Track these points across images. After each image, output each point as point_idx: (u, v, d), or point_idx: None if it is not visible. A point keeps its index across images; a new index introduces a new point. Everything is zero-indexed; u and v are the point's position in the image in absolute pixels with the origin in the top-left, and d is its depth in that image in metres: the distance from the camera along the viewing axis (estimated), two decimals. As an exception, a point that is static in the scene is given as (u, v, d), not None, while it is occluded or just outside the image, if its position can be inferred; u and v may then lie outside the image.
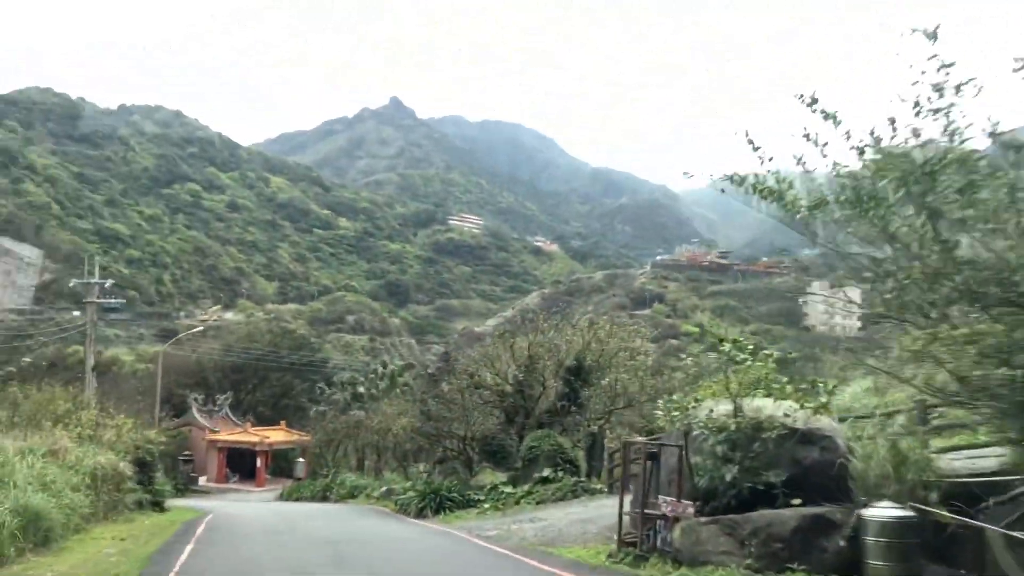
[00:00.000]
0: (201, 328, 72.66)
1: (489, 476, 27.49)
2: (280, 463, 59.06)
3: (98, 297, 41.74)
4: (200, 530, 20.59)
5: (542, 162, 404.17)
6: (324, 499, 38.96)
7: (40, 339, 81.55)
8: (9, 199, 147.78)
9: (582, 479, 24.14)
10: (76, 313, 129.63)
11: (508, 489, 25.12)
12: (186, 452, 58.42)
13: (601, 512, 18.39)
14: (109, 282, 44.05)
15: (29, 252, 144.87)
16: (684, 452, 12.93)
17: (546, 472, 24.68)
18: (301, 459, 56.07)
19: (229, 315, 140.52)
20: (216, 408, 60.04)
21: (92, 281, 41.44)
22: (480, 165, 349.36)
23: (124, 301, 46.51)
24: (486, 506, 24.34)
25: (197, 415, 58.98)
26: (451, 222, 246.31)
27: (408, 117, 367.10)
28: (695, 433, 12.77)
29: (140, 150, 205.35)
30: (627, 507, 13.86)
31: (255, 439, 55.53)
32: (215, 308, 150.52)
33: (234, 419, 60.33)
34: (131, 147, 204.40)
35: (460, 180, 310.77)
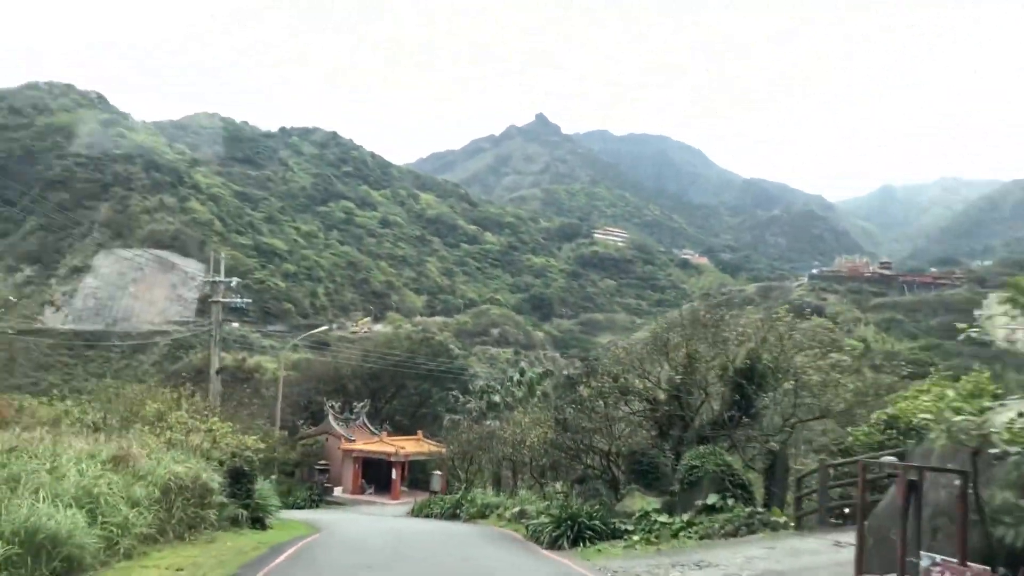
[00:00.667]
0: (326, 327, 70.92)
1: (639, 501, 22.41)
2: (417, 475, 55.75)
3: (224, 296, 39.48)
4: (281, 559, 16.60)
5: (689, 174, 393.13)
6: (454, 516, 34.82)
7: (195, 347, 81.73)
8: (176, 217, 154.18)
9: (758, 509, 18.71)
10: (235, 325, 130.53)
11: (663, 518, 19.96)
12: (322, 462, 55.98)
13: (799, 562, 13.07)
14: (235, 281, 41.69)
15: (193, 267, 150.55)
16: (970, 483, 7.64)
17: (711, 499, 19.39)
18: (438, 472, 52.52)
19: (378, 327, 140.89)
20: (353, 416, 57.44)
21: (218, 280, 39.15)
22: (625, 179, 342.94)
23: (250, 301, 44.02)
24: (635, 538, 19.28)
25: (334, 423, 56.50)
26: (596, 235, 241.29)
27: (553, 133, 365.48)
28: (993, 451, 7.54)
29: (298, 170, 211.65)
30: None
31: (390, 449, 52.35)
32: (365, 320, 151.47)
33: (371, 428, 57.53)
34: (289, 167, 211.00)
35: (605, 194, 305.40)
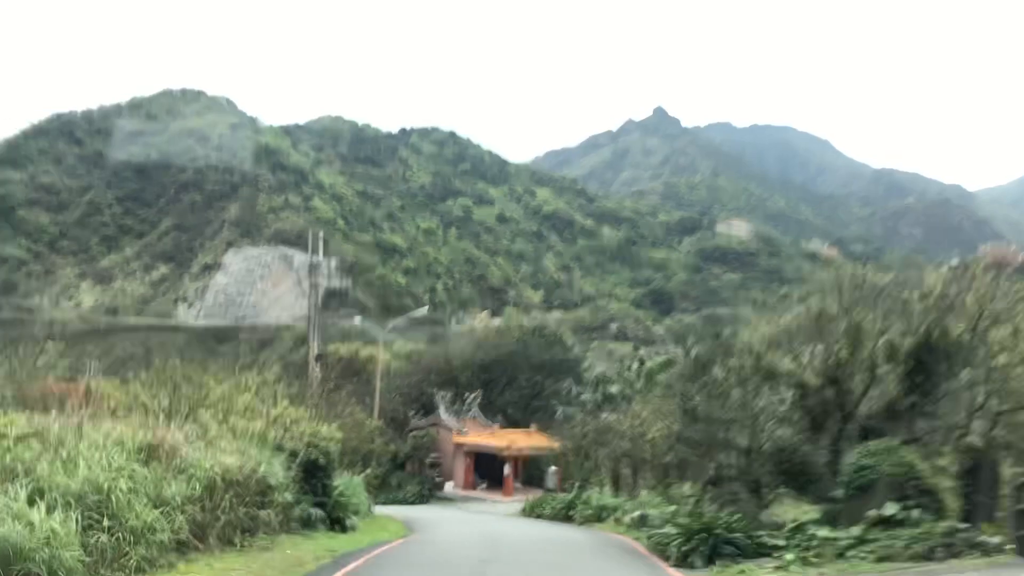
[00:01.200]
0: (424, 310, 68.30)
1: (790, 509, 18.00)
2: (532, 471, 52.25)
3: (322, 278, 36.96)
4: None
5: (816, 165, 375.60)
6: (567, 518, 31.02)
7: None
8: (301, 215, 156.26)
9: (958, 525, 14.09)
10: (357, 320, 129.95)
11: (823, 532, 15.53)
12: (433, 455, 53.20)
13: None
14: (335, 260, 39.13)
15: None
16: None
17: (889, 509, 14.86)
18: (552, 468, 48.83)
19: (496, 322, 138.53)
20: (465, 408, 54.43)
21: (314, 259, 36.65)
22: (748, 170, 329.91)
23: (351, 283, 41.40)
24: (788, 557, 14.92)
25: (444, 415, 53.64)
26: (718, 228, 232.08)
27: (673, 126, 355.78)
28: None
29: (417, 168, 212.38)
30: None
31: (502, 443, 48.99)
32: (483, 314, 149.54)
33: (483, 420, 54.42)
34: (409, 166, 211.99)
35: (727, 186, 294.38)
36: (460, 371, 56.95)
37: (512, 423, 54.21)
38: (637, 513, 24.27)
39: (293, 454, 19.04)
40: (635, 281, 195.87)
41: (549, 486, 46.23)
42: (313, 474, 19.31)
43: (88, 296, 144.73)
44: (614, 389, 42.65)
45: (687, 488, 22.87)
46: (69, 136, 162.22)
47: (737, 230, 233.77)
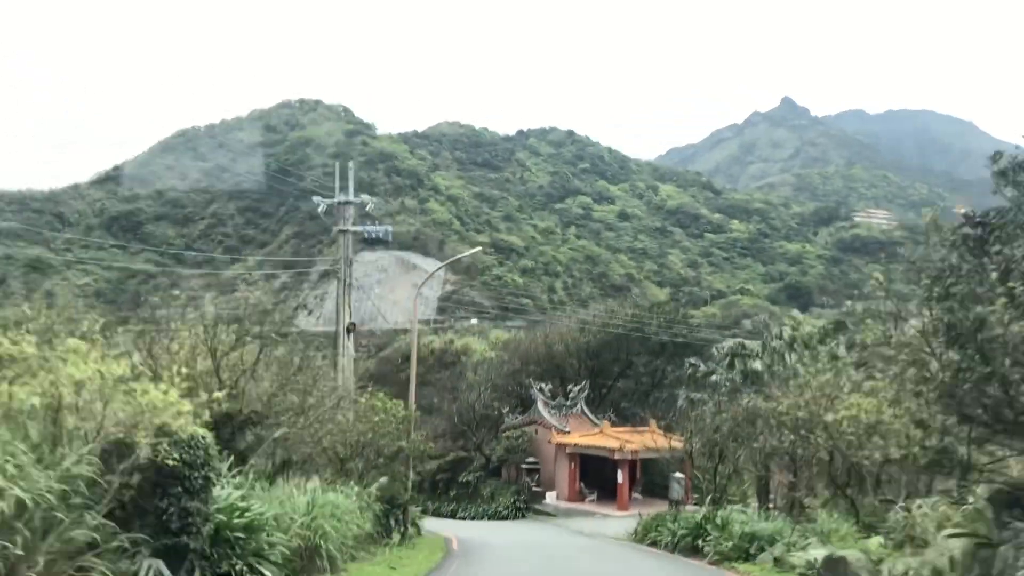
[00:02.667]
0: (476, 250, 57.82)
1: None
2: (653, 477, 41.02)
3: (354, 224, 27.57)
4: None
5: (959, 149, 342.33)
6: (693, 550, 19.94)
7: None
8: (416, 218, 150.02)
9: None
10: (473, 321, 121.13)
11: None
12: (530, 460, 42.80)
13: None
14: (369, 202, 29.53)
15: (433, 266, 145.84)
16: None
17: None
18: (678, 475, 37.57)
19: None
20: (568, 403, 43.80)
21: (342, 200, 27.23)
22: (885, 159, 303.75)
23: (391, 229, 31.64)
24: None
25: (544, 411, 43.17)
26: (856, 218, 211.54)
27: (802, 116, 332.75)
28: None
29: (535, 170, 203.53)
30: None
31: (613, 443, 37.98)
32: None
33: (590, 417, 43.59)
34: (527, 167, 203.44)
35: (863, 175, 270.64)
36: (563, 359, 46.33)
37: (626, 419, 43.21)
38: (820, 553, 13.05)
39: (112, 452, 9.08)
40: (768, 276, 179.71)
41: (674, 496, 34.85)
42: (160, 490, 9.24)
43: (212, 307, 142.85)
44: (757, 365, 30.89)
45: (924, 506, 11.36)
46: (194, 151, 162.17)
47: (878, 219, 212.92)
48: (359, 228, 28.42)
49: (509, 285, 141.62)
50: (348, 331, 26.14)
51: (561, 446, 40.68)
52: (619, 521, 34.27)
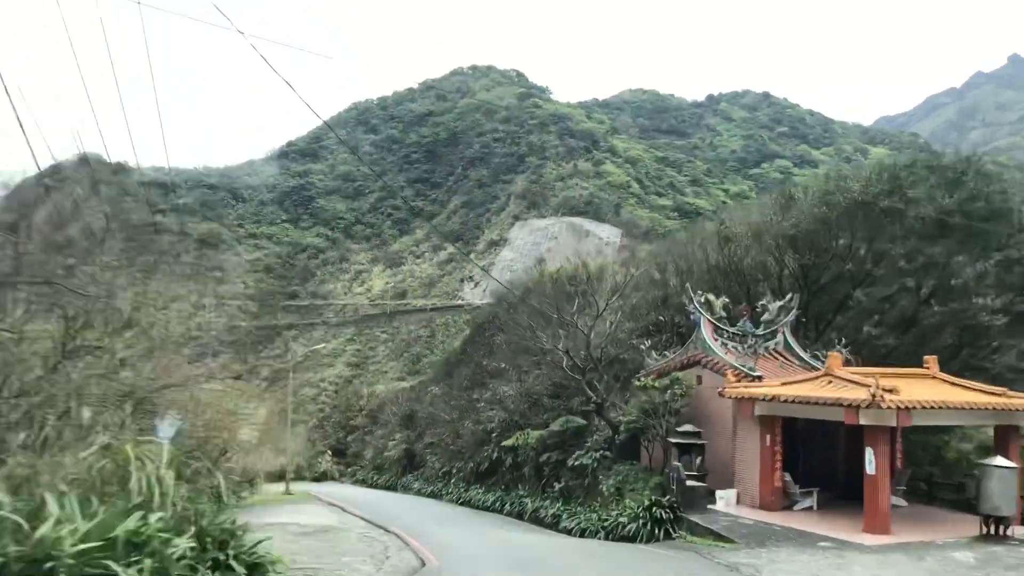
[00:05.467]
0: None
1: None
2: (928, 468, 19.88)
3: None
4: None
5: None
6: None
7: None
8: (590, 181, 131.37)
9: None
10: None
11: None
12: (685, 428, 22.56)
13: None
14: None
15: (607, 232, 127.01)
16: None
17: None
18: (1003, 463, 16.61)
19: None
20: (759, 330, 23.30)
21: None
22: None
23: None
24: None
25: (712, 343, 22.89)
26: None
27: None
28: None
29: (727, 135, 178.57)
30: None
31: (855, 396, 17.42)
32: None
33: (801, 354, 22.83)
34: (717, 132, 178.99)
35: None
36: (742, 257, 25.73)
37: (875, 359, 22.03)
38: None
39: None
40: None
41: (992, 507, 14.05)
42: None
43: (379, 280, 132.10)
44: None
45: None
46: (365, 124, 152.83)
47: None
48: None
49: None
50: None
51: (746, 403, 20.33)
52: (876, 561, 13.81)
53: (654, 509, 19.39)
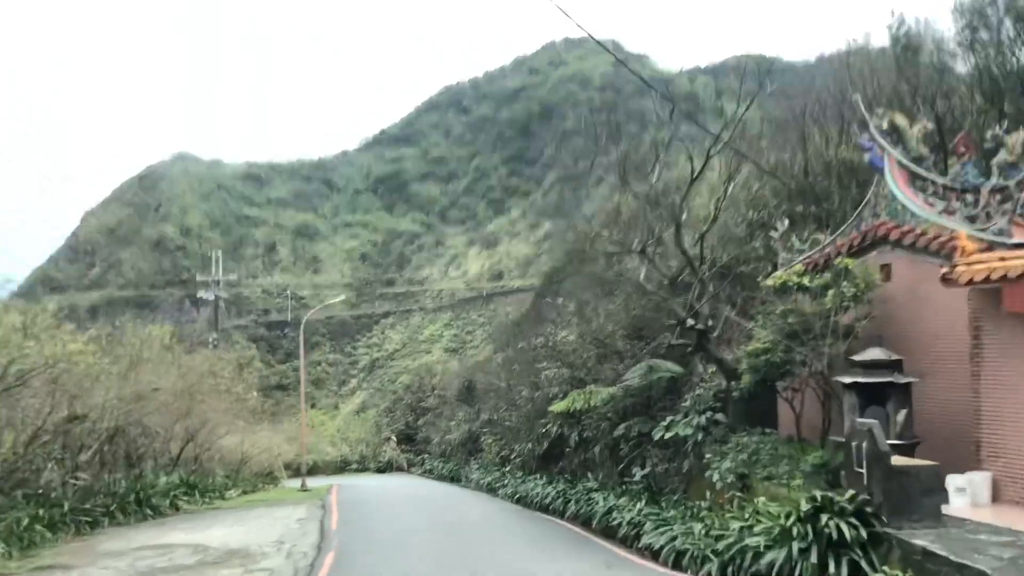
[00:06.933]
0: None
1: None
2: None
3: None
4: None
5: None
6: None
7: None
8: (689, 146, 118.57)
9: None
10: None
11: None
12: (870, 354, 11.72)
13: None
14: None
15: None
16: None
17: None
18: None
19: None
20: (1002, 180, 12.37)
21: None
22: None
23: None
24: None
25: (909, 198, 12.02)
26: None
27: None
28: None
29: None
30: None
31: None
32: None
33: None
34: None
35: None
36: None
37: None
38: None
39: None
40: None
41: None
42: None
43: (475, 263, 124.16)
44: None
45: None
46: (458, 106, 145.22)
47: None
48: None
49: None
50: None
51: (1011, 293, 9.48)
52: None
53: (823, 518, 8.79)
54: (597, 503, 16.72)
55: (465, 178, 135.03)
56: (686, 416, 14.80)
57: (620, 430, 17.12)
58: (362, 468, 47.14)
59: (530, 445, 22.97)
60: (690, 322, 14.98)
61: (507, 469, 25.43)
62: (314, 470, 43.98)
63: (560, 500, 19.18)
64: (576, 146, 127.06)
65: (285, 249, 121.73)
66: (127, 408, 18.35)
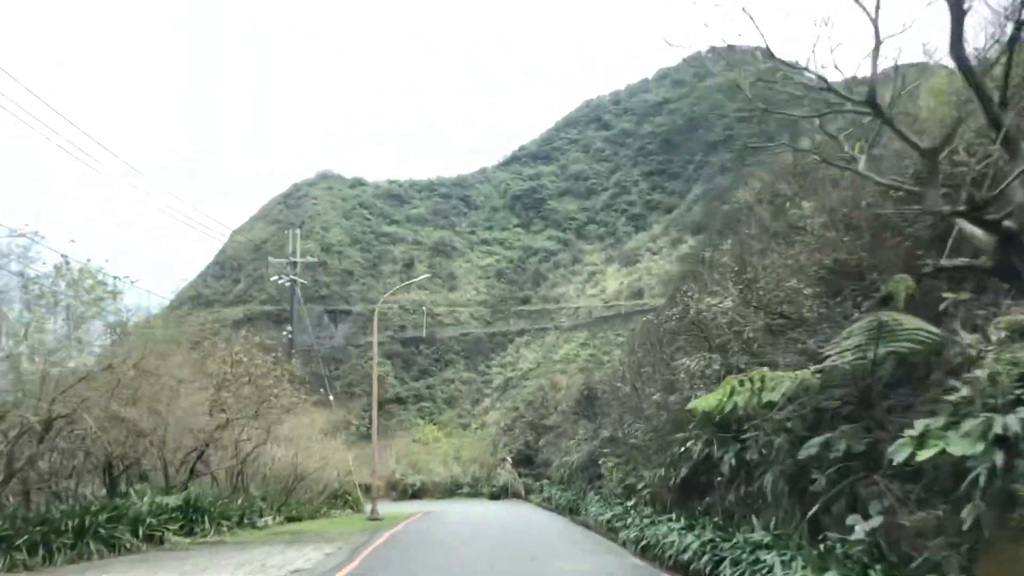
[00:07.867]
0: None
1: None
2: None
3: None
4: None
5: None
6: None
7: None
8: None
9: None
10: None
11: None
12: None
13: None
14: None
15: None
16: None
17: None
18: None
19: None
20: None
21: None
22: None
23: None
24: None
25: None
26: None
27: None
28: None
29: None
30: None
31: None
32: None
33: None
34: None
35: None
36: None
37: None
38: None
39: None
40: None
41: None
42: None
43: (613, 280, 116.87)
44: None
45: None
46: (597, 121, 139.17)
47: None
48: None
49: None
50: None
51: None
52: None
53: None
54: (773, 572, 9.40)
55: (604, 193, 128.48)
56: (962, 418, 7.29)
57: (812, 448, 9.65)
58: (474, 492, 40.96)
59: (663, 471, 15.71)
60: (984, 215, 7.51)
61: (632, 504, 18.25)
62: (420, 493, 38.20)
63: (707, 558, 11.89)
64: (723, 158, 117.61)
65: (422, 266, 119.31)
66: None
